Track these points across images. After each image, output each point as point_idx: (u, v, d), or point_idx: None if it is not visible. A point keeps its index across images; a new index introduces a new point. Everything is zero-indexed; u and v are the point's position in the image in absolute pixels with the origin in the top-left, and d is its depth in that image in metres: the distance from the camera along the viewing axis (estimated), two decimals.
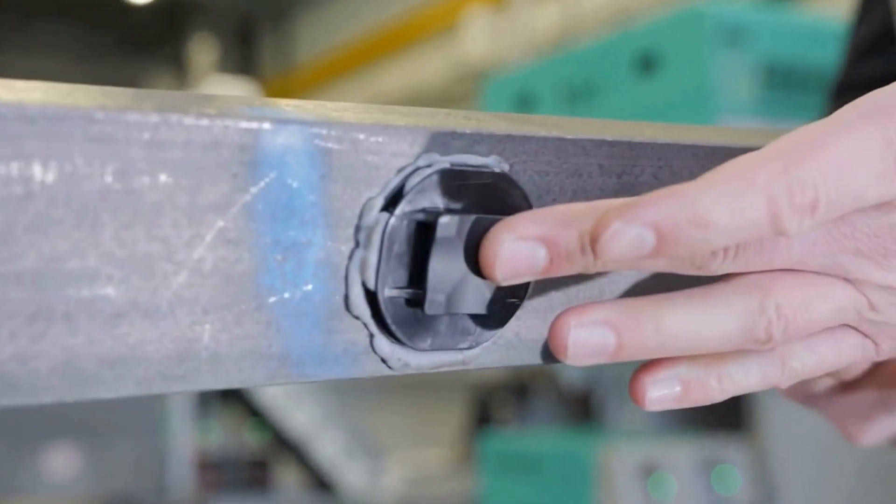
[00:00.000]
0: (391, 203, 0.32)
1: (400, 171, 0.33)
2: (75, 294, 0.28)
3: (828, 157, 0.31)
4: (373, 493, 3.97)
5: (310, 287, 0.32)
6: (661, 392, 0.36)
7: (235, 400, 4.39)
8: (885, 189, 0.32)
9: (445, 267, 0.33)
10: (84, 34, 8.02)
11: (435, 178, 0.33)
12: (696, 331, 0.34)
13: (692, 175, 0.32)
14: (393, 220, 0.32)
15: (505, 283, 0.33)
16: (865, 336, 0.37)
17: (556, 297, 0.37)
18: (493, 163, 0.34)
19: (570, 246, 0.32)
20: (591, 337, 0.33)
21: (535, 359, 0.37)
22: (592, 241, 0.31)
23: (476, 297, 0.34)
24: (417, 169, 0.33)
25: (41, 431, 3.02)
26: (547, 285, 0.36)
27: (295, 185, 0.31)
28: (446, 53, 5.84)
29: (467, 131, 0.34)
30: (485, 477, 2.28)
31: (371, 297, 0.33)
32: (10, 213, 0.27)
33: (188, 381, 0.30)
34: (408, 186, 0.33)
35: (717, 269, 0.34)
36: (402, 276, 0.33)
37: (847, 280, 0.35)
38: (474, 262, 0.33)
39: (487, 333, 0.35)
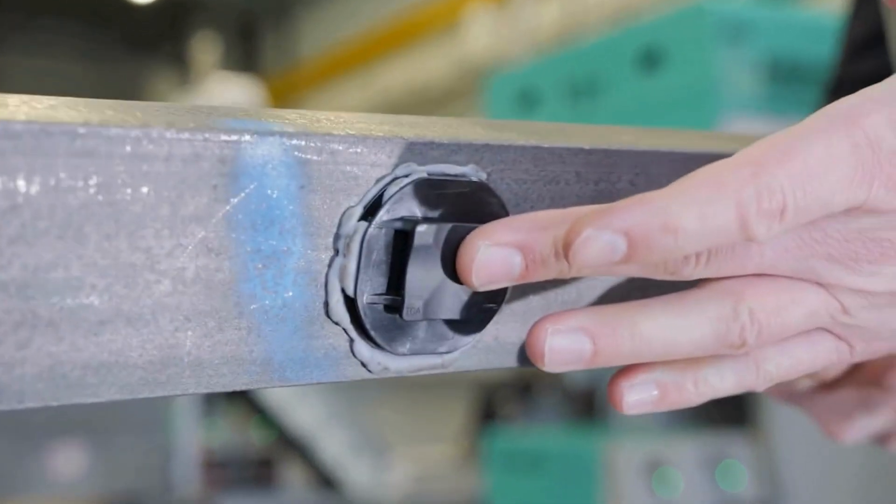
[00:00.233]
0: (370, 212, 0.33)
1: (378, 180, 0.33)
2: (59, 302, 0.29)
3: (796, 164, 0.32)
4: (378, 491, 3.97)
5: (290, 294, 0.32)
6: (638, 396, 0.36)
7: (240, 399, 4.38)
8: (853, 194, 0.32)
9: (423, 274, 0.34)
10: (86, 33, 8.02)
11: (412, 187, 0.33)
12: (671, 337, 0.34)
13: (669, 181, 0.33)
14: (371, 229, 0.33)
15: (482, 289, 0.34)
16: (839, 339, 0.37)
17: (535, 301, 0.37)
18: (471, 171, 0.35)
19: (544, 252, 0.33)
20: (568, 344, 0.34)
21: (514, 362, 0.37)
22: (565, 248, 0.32)
23: (454, 302, 0.35)
24: (395, 178, 0.34)
25: (46, 430, 3.02)
26: (525, 289, 0.37)
27: (275, 195, 0.32)
28: (449, 50, 5.83)
29: (445, 141, 0.34)
30: (490, 474, 2.28)
31: (350, 303, 0.33)
32: None
33: (171, 386, 0.31)
34: (386, 196, 0.33)
35: (689, 274, 0.34)
36: (380, 282, 0.33)
37: (819, 284, 0.35)
38: (452, 268, 0.34)
39: (466, 338, 0.36)
